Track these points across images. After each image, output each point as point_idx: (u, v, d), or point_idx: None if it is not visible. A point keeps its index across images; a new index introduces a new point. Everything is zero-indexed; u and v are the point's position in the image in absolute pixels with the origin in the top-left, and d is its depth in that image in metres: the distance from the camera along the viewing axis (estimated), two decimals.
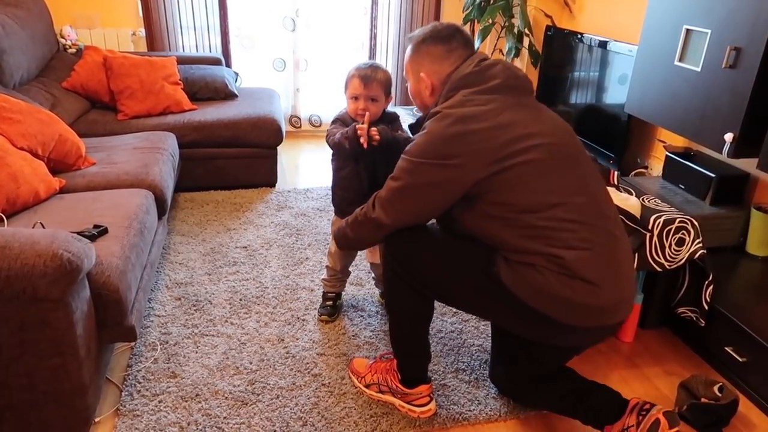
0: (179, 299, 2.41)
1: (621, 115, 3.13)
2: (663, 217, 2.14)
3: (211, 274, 2.61)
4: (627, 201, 2.18)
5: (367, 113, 1.94)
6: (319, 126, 4.65)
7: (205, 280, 2.55)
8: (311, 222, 3.14)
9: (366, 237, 1.75)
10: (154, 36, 4.04)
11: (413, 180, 1.57)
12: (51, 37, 3.63)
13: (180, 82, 3.61)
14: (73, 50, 3.79)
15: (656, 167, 3.17)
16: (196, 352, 2.10)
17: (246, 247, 2.85)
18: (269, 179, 3.57)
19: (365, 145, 1.93)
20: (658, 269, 2.16)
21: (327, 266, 2.31)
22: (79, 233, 1.92)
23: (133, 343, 2.13)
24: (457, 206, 1.60)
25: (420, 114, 2.20)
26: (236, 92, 3.81)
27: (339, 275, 2.32)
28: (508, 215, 1.51)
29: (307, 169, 3.97)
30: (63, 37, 3.79)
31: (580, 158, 1.58)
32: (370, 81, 1.97)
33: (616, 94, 3.23)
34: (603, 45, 3.31)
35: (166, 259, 2.71)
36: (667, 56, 2.53)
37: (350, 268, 2.38)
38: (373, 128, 1.94)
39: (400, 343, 1.82)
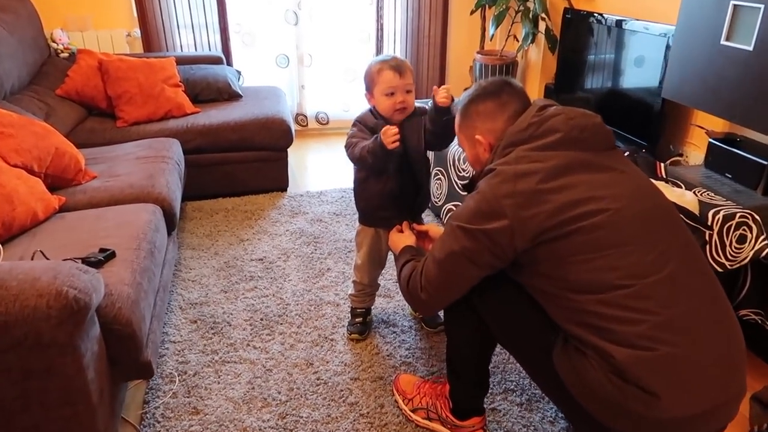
0: (195, 321, 2.22)
1: (653, 100, 2.93)
2: (722, 212, 1.94)
3: (227, 291, 2.42)
4: (683, 197, 1.99)
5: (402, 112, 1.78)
6: (327, 124, 4.44)
7: (221, 299, 2.36)
8: (329, 228, 2.94)
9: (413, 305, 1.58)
10: (150, 36, 3.83)
11: (456, 246, 1.38)
12: (41, 42, 3.42)
13: (181, 83, 3.41)
14: (66, 54, 3.58)
15: (693, 155, 2.98)
16: (219, 383, 1.91)
17: (262, 260, 2.65)
18: (280, 183, 3.37)
19: (397, 145, 1.71)
20: (719, 269, 1.97)
21: (354, 281, 2.12)
22: (84, 260, 1.73)
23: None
24: (508, 268, 1.41)
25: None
26: (240, 92, 3.60)
27: (368, 289, 2.14)
28: (555, 292, 1.30)
29: (318, 171, 3.77)
30: (54, 42, 3.58)
31: (666, 230, 1.29)
32: (404, 70, 1.78)
33: (645, 77, 3.02)
34: (628, 26, 3.10)
35: (178, 276, 2.52)
36: (711, 35, 2.33)
37: (379, 279, 2.19)
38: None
39: (456, 369, 1.64)
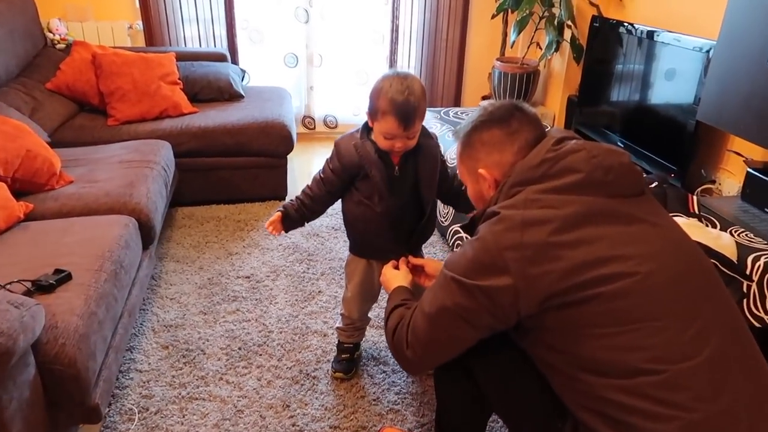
0: (167, 347, 2.02)
1: (686, 120, 2.66)
2: (764, 258, 1.69)
3: (206, 313, 2.22)
4: (719, 240, 1.74)
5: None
6: (335, 127, 4.23)
7: (199, 322, 2.16)
8: (325, 245, 2.73)
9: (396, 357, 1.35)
10: (153, 29, 3.65)
11: (449, 302, 1.16)
12: (36, 32, 3.25)
13: (179, 81, 3.22)
14: (62, 45, 3.42)
15: (727, 183, 2.71)
16: (182, 424, 1.71)
17: (249, 278, 2.45)
18: (278, 192, 3.17)
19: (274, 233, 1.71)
20: (758, 325, 1.72)
21: (342, 314, 1.91)
22: (34, 282, 1.54)
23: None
24: (511, 331, 1.18)
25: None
26: (242, 92, 3.40)
27: (357, 323, 1.92)
28: (565, 369, 1.07)
29: None
30: (51, 32, 3.42)
31: (706, 301, 1.05)
32: (413, 120, 1.51)
33: (678, 94, 2.76)
34: (660, 38, 2.84)
35: (156, 292, 2.33)
36: (758, 54, 2.07)
37: (370, 313, 1.97)
38: None
39: None
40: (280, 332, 2.12)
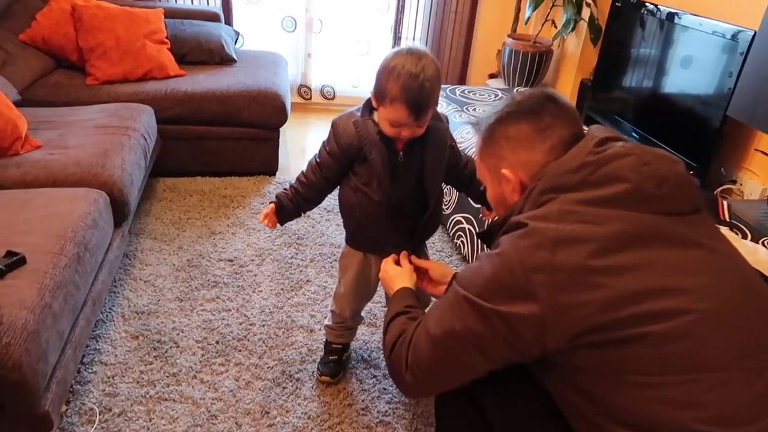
0: (137, 338, 1.84)
1: (712, 114, 2.46)
2: None
3: (183, 299, 2.03)
4: (755, 254, 1.56)
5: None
6: (333, 99, 4.00)
7: (174, 309, 1.97)
8: (316, 228, 2.54)
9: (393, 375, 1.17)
10: None
11: (459, 325, 0.97)
12: None
13: (166, 40, 2.97)
14: None
15: (749, 183, 2.53)
16: (148, 429, 1.53)
17: (232, 261, 2.26)
18: (268, 166, 2.95)
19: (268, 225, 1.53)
20: None
21: (332, 311, 1.72)
22: None
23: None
24: (531, 364, 1.00)
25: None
26: (234, 56, 3.16)
27: (348, 323, 1.74)
28: (595, 419, 0.90)
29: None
30: None
31: None
32: (425, 111, 1.31)
33: (703, 85, 2.56)
34: (687, 22, 2.62)
35: (129, 273, 2.13)
36: None
37: (363, 311, 1.80)
38: None
39: None
40: (263, 325, 1.94)
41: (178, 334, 1.86)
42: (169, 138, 2.72)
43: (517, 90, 1.12)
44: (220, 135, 2.81)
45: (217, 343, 1.85)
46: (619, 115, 3.10)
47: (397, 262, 1.44)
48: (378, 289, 1.67)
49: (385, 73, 1.30)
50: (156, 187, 2.73)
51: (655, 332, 0.84)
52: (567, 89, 3.67)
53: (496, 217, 1.15)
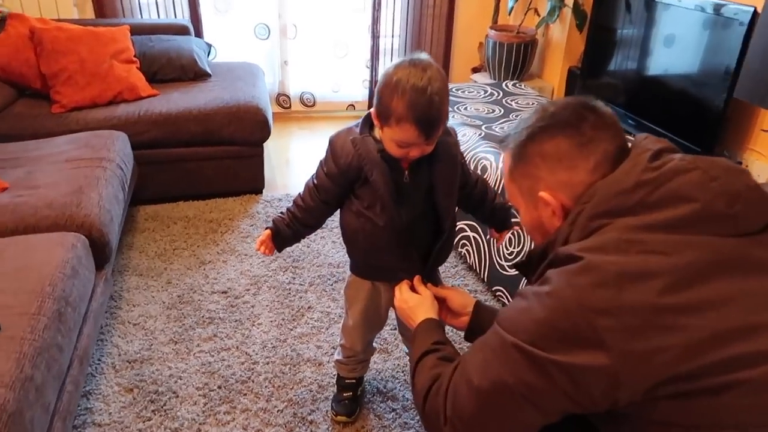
0: (131, 390, 1.69)
1: (713, 96, 2.37)
2: None
3: (178, 341, 1.88)
4: None
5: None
6: (313, 106, 3.84)
7: (169, 354, 1.82)
8: (312, 248, 2.39)
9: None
10: None
11: (509, 377, 0.84)
12: None
13: (135, 59, 2.80)
14: None
15: (756, 165, 2.44)
16: None
17: (226, 292, 2.11)
18: (254, 184, 2.80)
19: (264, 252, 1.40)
20: None
21: (342, 345, 1.59)
22: None
23: None
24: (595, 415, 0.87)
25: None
26: (208, 70, 2.99)
27: (360, 356, 1.61)
28: None
29: (301, 166, 3.20)
30: None
31: None
32: (436, 129, 1.18)
33: (700, 66, 2.46)
34: (680, 2, 2.52)
35: (116, 317, 1.97)
36: None
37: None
38: None
39: None
40: (267, 363, 1.80)
41: (176, 382, 1.71)
42: (146, 163, 2.56)
43: (549, 101, 0.96)
44: (200, 156, 2.65)
45: (220, 388, 1.70)
46: (611, 101, 3.01)
47: (412, 288, 1.31)
48: (390, 313, 1.54)
49: (388, 90, 1.16)
50: (137, 217, 2.57)
51: (748, 379, 0.72)
52: (554, 79, 3.57)
53: (530, 244, 1.03)
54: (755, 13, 2.14)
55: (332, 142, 1.31)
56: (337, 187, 1.32)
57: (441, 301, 1.33)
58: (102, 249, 1.77)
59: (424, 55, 1.19)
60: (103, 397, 1.66)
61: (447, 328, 1.26)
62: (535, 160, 0.93)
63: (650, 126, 2.69)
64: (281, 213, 1.41)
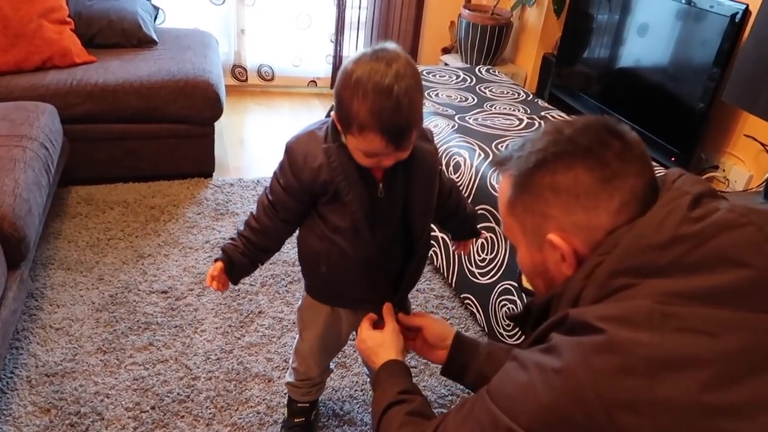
0: (48, 411, 1.46)
1: (696, 95, 2.25)
2: None
3: (106, 351, 1.65)
4: None
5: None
6: (272, 80, 3.57)
7: (95, 366, 1.60)
8: None
9: None
10: None
11: None
12: None
13: (69, 19, 2.48)
14: None
15: (734, 171, 2.36)
16: None
17: (166, 292, 1.88)
18: (203, 167, 2.55)
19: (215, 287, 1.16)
20: None
21: (294, 368, 1.40)
22: None
23: None
24: None
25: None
26: (155, 37, 2.69)
27: (316, 380, 1.42)
28: None
29: (257, 146, 2.96)
30: None
31: None
32: (407, 136, 0.97)
33: (684, 61, 2.34)
34: None
35: (35, 320, 1.73)
36: None
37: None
38: None
39: None
40: (209, 378, 1.60)
41: (102, 401, 1.50)
42: (80, 139, 2.28)
43: (563, 120, 0.75)
44: (142, 134, 2.38)
45: (153, 409, 1.50)
46: (584, 92, 2.88)
47: (375, 321, 1.14)
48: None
49: (347, 92, 0.95)
50: (67, 200, 2.29)
51: None
52: (528, 65, 3.41)
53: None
54: (746, 11, 2.02)
55: (291, 150, 1.08)
56: (298, 203, 1.11)
57: (415, 331, 1.16)
58: (16, 246, 1.51)
59: (390, 45, 0.98)
60: (13, 420, 1.43)
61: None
62: (545, 194, 0.75)
63: (628, 123, 2.56)
64: (232, 239, 1.18)
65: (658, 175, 0.77)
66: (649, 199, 0.72)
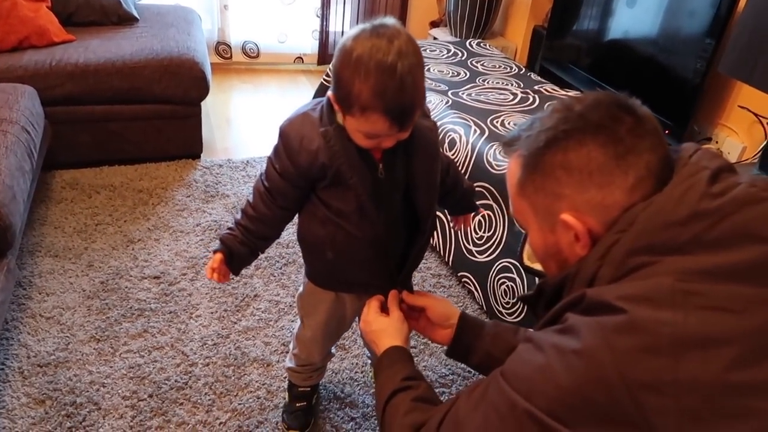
0: (42, 402, 1.43)
1: (690, 66, 2.23)
2: None
3: (100, 339, 1.62)
4: None
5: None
6: (257, 57, 3.49)
7: (89, 355, 1.57)
8: None
9: None
10: None
11: None
12: None
13: None
14: None
15: (728, 142, 2.35)
16: None
17: (158, 278, 1.85)
18: (191, 148, 2.49)
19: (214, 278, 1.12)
20: None
21: (295, 353, 1.38)
22: None
23: None
24: None
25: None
26: (135, 14, 2.61)
27: (318, 365, 1.40)
28: None
29: (244, 126, 2.89)
30: None
31: None
32: (409, 115, 0.93)
33: (680, 32, 2.31)
34: None
35: (25, 309, 1.68)
36: None
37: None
38: None
39: None
40: (207, 364, 1.58)
41: (98, 390, 1.47)
42: (62, 122, 2.21)
43: (574, 95, 0.71)
44: (126, 115, 2.31)
45: (151, 397, 1.47)
46: (576, 65, 2.84)
47: (382, 307, 1.12)
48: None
49: (348, 71, 0.90)
50: (52, 185, 2.23)
51: None
52: (518, 38, 3.36)
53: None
54: None
55: (285, 134, 1.03)
56: (295, 189, 1.07)
57: (419, 311, 1.14)
58: (2, 234, 1.46)
59: (389, 20, 0.94)
60: (7, 412, 1.40)
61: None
62: (556, 173, 0.73)
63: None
64: (230, 229, 1.13)
65: (672, 149, 0.75)
66: (664, 175, 0.70)
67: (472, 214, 1.36)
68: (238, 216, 1.13)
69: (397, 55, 0.88)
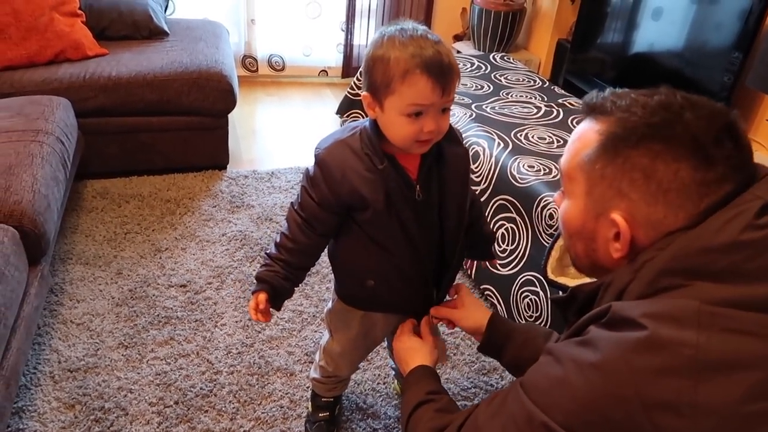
0: (72, 407, 1.46)
1: (717, 78, 2.21)
2: None
3: (128, 346, 1.65)
4: None
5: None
6: (282, 70, 3.55)
7: (118, 361, 1.60)
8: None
9: None
10: None
11: None
12: None
13: (80, 12, 2.46)
14: None
15: (755, 158, 2.31)
16: None
17: (185, 286, 1.88)
18: (217, 159, 2.54)
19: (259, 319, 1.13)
20: None
21: (321, 365, 1.39)
22: None
23: None
24: None
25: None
26: (166, 28, 2.68)
27: (344, 377, 1.42)
28: None
29: (269, 138, 2.94)
30: None
31: None
32: (450, 77, 0.94)
33: (707, 43, 2.29)
34: None
35: (56, 315, 1.73)
36: None
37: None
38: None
39: None
40: (231, 372, 1.60)
41: (125, 396, 1.50)
42: (94, 133, 2.27)
43: (677, 93, 0.70)
44: (155, 126, 2.37)
45: (177, 404, 1.49)
46: (600, 78, 2.84)
47: (414, 329, 1.14)
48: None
49: (382, 49, 0.94)
50: (83, 194, 2.28)
51: None
52: (542, 52, 3.37)
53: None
54: None
55: (324, 163, 1.01)
56: (334, 216, 1.07)
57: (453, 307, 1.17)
58: (37, 242, 1.51)
59: (409, 24, 0.97)
60: (39, 416, 1.43)
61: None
62: (634, 175, 0.69)
63: None
64: (267, 264, 1.10)
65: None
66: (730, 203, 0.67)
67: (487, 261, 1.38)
68: (273, 251, 1.10)
69: (426, 33, 0.94)
